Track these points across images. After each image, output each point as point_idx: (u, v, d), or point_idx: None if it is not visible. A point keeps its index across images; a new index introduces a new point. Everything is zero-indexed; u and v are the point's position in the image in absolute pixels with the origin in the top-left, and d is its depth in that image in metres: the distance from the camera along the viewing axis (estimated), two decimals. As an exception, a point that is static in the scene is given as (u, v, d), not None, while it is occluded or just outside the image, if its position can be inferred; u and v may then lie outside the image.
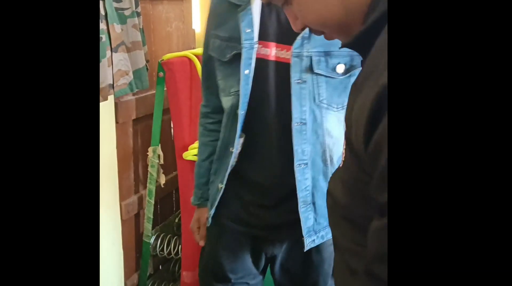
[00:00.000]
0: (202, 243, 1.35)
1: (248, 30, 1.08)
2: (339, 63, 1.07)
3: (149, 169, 1.91)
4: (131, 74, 1.68)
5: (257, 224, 1.20)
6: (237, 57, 1.10)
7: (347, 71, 1.08)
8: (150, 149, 1.91)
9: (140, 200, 1.97)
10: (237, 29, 1.08)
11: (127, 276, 1.93)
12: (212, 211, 1.23)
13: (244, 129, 1.13)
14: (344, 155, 0.64)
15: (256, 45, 1.08)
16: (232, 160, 1.16)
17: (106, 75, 1.50)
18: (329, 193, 0.71)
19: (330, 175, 1.12)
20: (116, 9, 1.61)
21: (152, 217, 1.92)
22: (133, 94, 1.84)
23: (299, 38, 1.05)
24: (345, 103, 1.09)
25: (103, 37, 1.50)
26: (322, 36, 1.03)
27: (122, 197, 1.86)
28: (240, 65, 1.09)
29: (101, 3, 1.50)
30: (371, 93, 0.51)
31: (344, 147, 0.63)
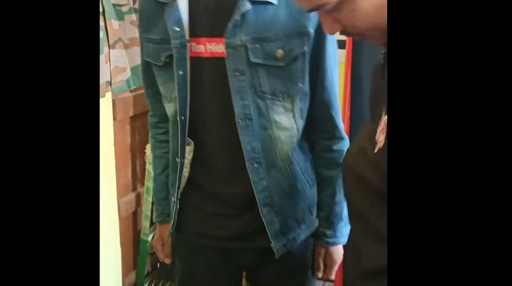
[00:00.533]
0: (168, 261, 1.28)
1: (177, 29, 0.99)
2: (277, 48, 0.98)
3: (147, 166, 1.90)
4: (128, 70, 1.67)
5: (224, 236, 1.10)
6: (172, 59, 1.01)
7: (287, 56, 0.99)
8: (147, 146, 1.90)
9: (138, 198, 1.96)
10: (167, 29, 1.00)
11: (124, 274, 1.93)
12: (172, 229, 1.15)
13: (191, 136, 1.06)
14: (384, 142, 0.63)
15: (188, 44, 1.00)
16: (184, 171, 1.08)
17: (103, 72, 1.50)
18: (350, 169, 0.70)
19: (289, 171, 1.05)
20: (114, 5, 1.61)
21: (149, 215, 1.91)
22: (131, 91, 1.83)
23: (230, 26, 0.96)
24: (290, 92, 1.01)
25: (101, 33, 1.49)
26: (256, 20, 0.97)
27: (120, 195, 1.85)
28: None
29: (98, -1, 1.49)
30: None
31: (386, 131, 0.62)
